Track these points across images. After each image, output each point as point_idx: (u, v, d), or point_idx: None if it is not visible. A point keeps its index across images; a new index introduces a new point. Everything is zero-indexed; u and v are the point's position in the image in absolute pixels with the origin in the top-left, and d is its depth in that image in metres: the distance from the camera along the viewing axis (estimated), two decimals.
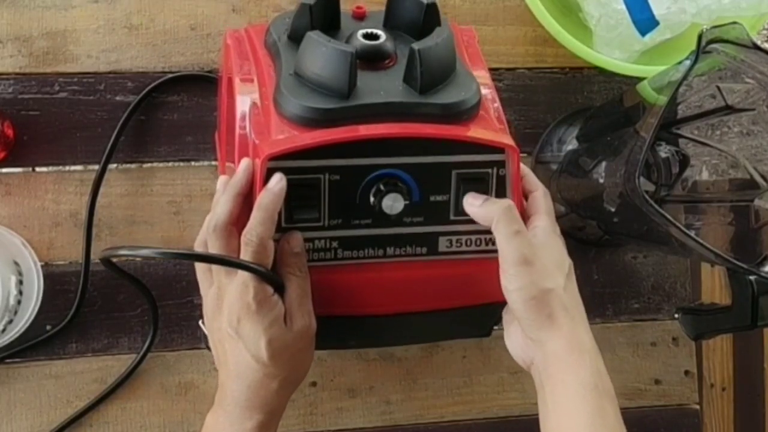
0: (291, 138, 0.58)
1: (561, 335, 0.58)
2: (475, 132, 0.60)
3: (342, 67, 0.58)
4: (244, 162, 0.60)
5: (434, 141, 0.59)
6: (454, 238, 0.62)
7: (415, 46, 0.59)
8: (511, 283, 0.59)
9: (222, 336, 0.60)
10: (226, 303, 0.58)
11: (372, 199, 0.60)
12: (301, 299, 0.59)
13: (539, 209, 0.62)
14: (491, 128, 0.62)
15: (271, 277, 0.58)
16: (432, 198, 0.61)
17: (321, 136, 0.58)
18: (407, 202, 0.60)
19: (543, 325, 0.59)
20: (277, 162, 0.58)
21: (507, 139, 0.61)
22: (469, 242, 0.63)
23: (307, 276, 0.60)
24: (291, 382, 0.61)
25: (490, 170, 0.61)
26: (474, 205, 0.60)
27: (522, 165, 0.63)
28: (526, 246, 0.58)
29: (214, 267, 0.60)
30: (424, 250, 0.62)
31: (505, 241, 0.58)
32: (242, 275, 0.58)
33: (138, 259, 0.79)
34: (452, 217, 0.62)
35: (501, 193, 0.62)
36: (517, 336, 0.63)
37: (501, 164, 0.61)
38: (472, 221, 0.61)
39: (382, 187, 0.59)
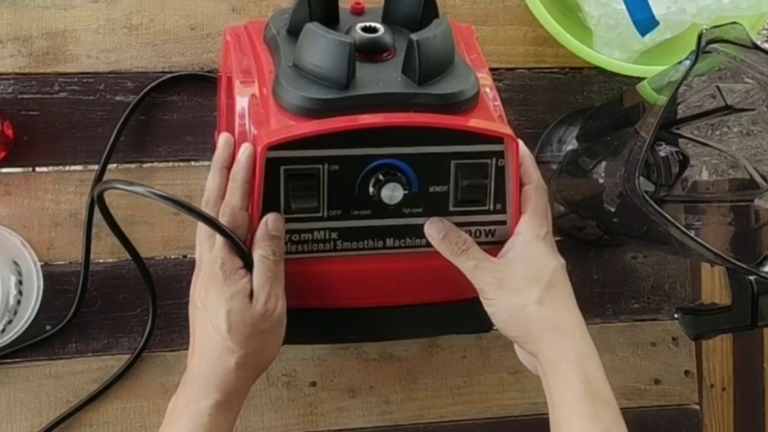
0: (290, 127, 0.58)
1: (545, 347, 0.61)
2: (474, 122, 0.60)
3: (341, 57, 0.58)
4: (223, 136, 0.62)
5: (433, 131, 0.60)
6: None
7: (414, 36, 0.59)
8: (488, 307, 0.62)
9: (194, 309, 0.61)
10: (201, 275, 0.60)
11: (371, 189, 0.60)
12: (267, 281, 0.59)
13: (526, 209, 0.63)
14: (490, 119, 0.62)
15: (240, 248, 0.59)
16: (431, 189, 0.61)
17: (320, 125, 0.58)
18: (406, 191, 0.60)
19: (528, 340, 0.61)
20: (276, 151, 0.58)
21: (506, 129, 0.61)
22: (468, 233, 0.63)
23: (279, 261, 0.60)
24: (251, 365, 0.61)
25: (489, 161, 0.61)
26: (434, 238, 0.62)
27: (526, 152, 0.63)
28: (489, 273, 0.61)
29: (198, 243, 0.62)
30: (424, 241, 0.63)
31: (469, 274, 0.61)
32: (217, 248, 0.59)
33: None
34: (451, 208, 0.62)
35: (500, 184, 0.62)
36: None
37: (500, 155, 0.61)
38: (470, 212, 0.62)
39: (381, 177, 0.60)
